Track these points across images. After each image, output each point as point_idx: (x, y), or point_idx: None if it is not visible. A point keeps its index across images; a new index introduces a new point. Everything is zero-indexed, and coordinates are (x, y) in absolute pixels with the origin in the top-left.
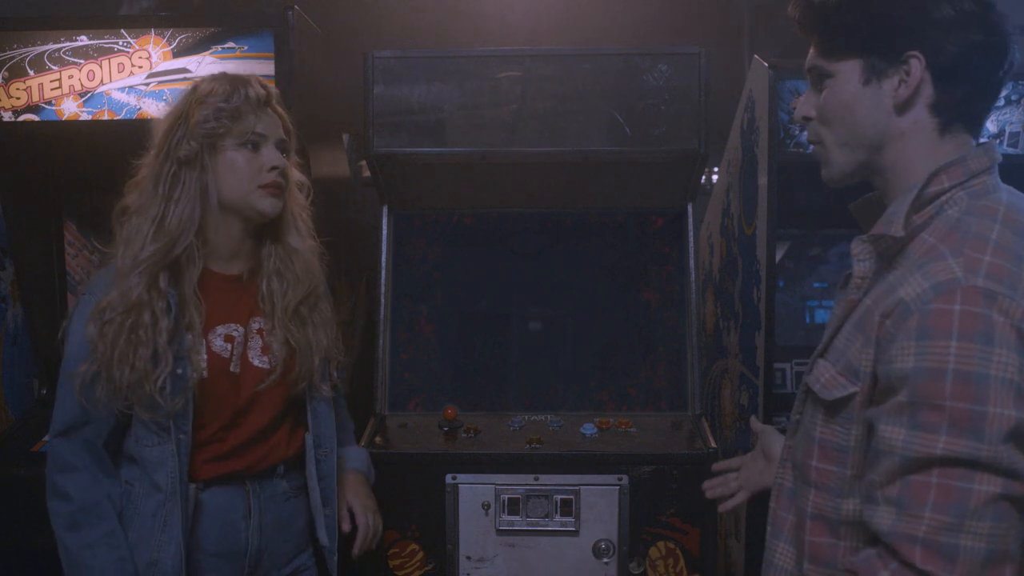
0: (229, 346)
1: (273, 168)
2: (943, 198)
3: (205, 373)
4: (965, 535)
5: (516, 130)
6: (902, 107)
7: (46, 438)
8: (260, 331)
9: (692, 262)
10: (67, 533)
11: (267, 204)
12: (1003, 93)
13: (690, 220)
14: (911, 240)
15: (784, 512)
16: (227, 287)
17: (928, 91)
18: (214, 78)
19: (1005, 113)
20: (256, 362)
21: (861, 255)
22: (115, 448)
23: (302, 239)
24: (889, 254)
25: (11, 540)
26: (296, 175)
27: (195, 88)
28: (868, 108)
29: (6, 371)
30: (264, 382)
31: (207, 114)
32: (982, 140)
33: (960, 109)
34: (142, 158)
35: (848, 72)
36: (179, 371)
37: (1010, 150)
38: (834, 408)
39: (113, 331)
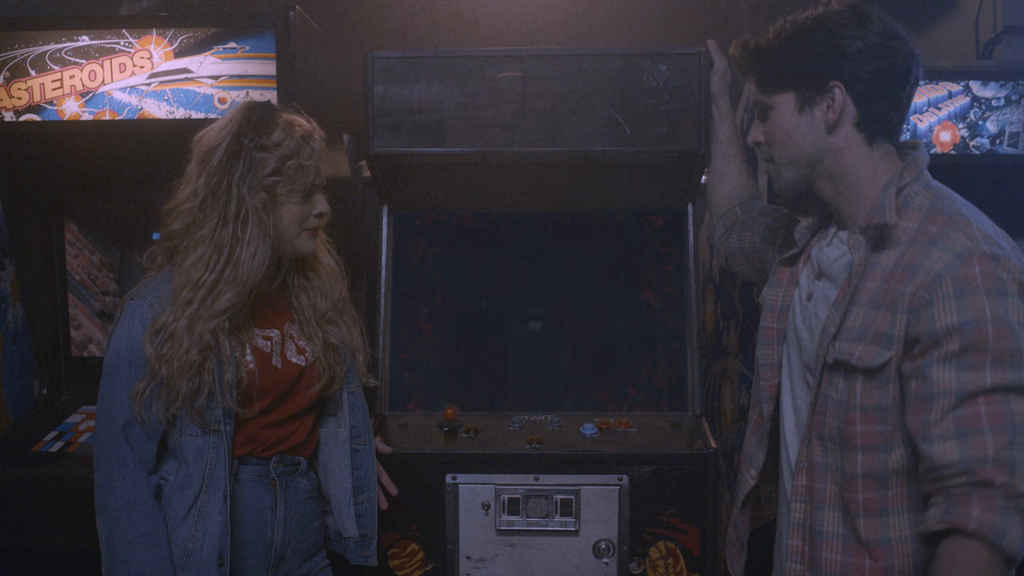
0: (269, 343)
1: (319, 214)
2: (905, 191)
3: (252, 366)
4: (1018, 447)
5: (516, 130)
6: (832, 128)
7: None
8: (293, 336)
9: (692, 262)
10: (111, 527)
11: (308, 246)
12: (1003, 93)
13: (690, 220)
14: (893, 227)
15: (821, 484)
16: (261, 300)
17: (851, 112)
18: (286, 126)
19: (1005, 113)
20: (294, 359)
21: (856, 245)
22: (160, 442)
23: (325, 254)
24: (876, 240)
25: (11, 540)
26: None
27: (256, 127)
28: (805, 131)
29: (6, 371)
30: (302, 375)
31: (275, 167)
32: (909, 139)
33: (880, 123)
34: (184, 175)
35: (784, 103)
36: (228, 375)
37: (1010, 150)
38: (876, 373)
39: (175, 355)
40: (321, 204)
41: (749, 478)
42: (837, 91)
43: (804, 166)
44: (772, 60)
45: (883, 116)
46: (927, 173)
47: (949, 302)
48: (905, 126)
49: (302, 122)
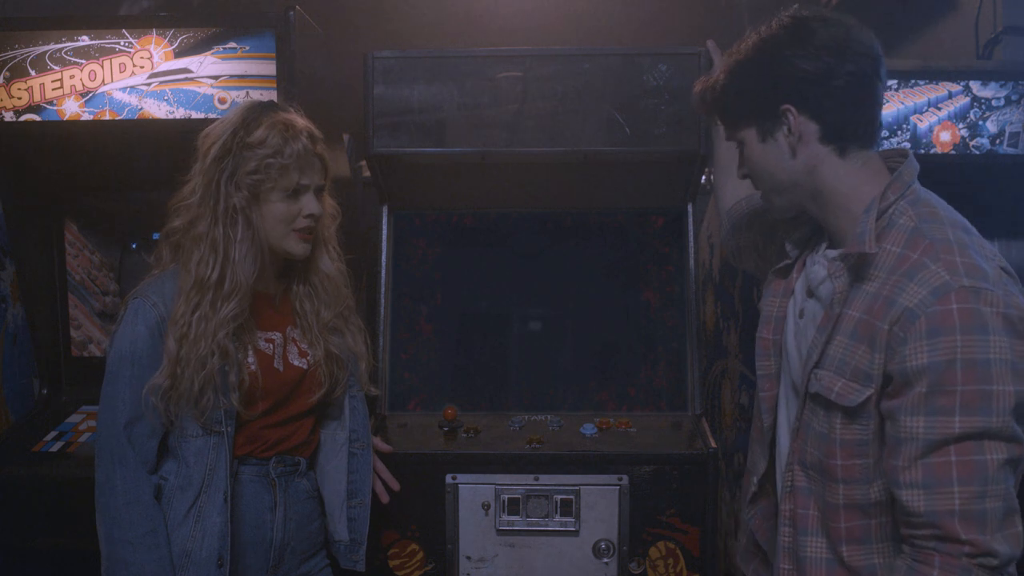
0: (271, 346)
1: (309, 215)
2: (890, 211)
3: (254, 368)
4: (989, 499)
5: (516, 130)
6: (798, 149)
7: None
8: (295, 339)
9: (692, 262)
10: (111, 526)
11: (298, 249)
12: (1003, 93)
13: (690, 220)
14: (874, 254)
15: (804, 510)
16: (264, 302)
17: (812, 128)
18: (271, 124)
19: (1005, 113)
20: (296, 362)
21: (836, 272)
22: (160, 443)
23: (332, 262)
24: (857, 267)
25: (11, 540)
26: (329, 204)
27: (247, 125)
28: (774, 159)
29: (6, 371)
30: (303, 378)
31: (256, 166)
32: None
33: (846, 132)
34: (188, 174)
35: (749, 137)
36: (232, 376)
37: (1010, 150)
38: (855, 411)
39: (189, 356)
40: (311, 205)
41: (751, 485)
42: (790, 115)
43: (785, 192)
44: (724, 99)
45: (847, 123)
46: (916, 185)
47: (921, 342)
48: (905, 126)
49: (293, 121)
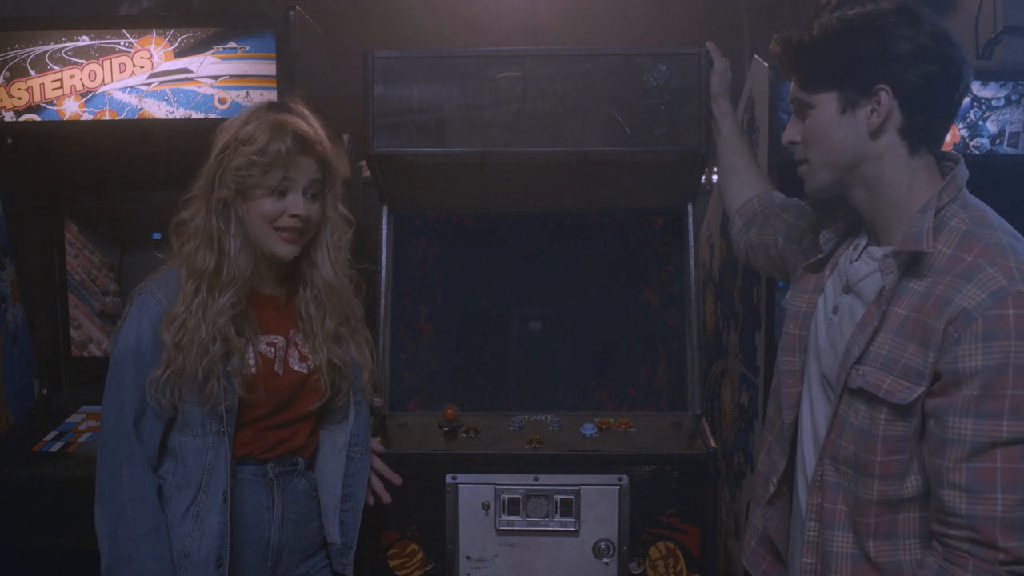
0: (272, 350)
1: (294, 216)
2: (942, 212)
3: (254, 370)
4: None
5: (516, 130)
6: (876, 132)
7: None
8: (296, 343)
9: (692, 262)
10: (115, 522)
11: (282, 249)
12: (1003, 93)
13: (690, 220)
14: (928, 254)
15: (831, 504)
16: (267, 305)
17: (897, 117)
18: (263, 122)
19: (1005, 113)
20: (296, 367)
21: (888, 269)
22: (160, 442)
23: (336, 274)
24: (908, 265)
25: (11, 540)
26: (340, 211)
27: (246, 122)
28: (846, 134)
29: (6, 371)
30: (304, 382)
31: (241, 162)
32: (950, 152)
33: (924, 132)
34: (202, 166)
35: (826, 103)
36: (233, 361)
37: (1010, 150)
38: (906, 409)
39: (191, 341)
40: (296, 205)
41: (770, 486)
42: (883, 94)
43: (840, 170)
44: (816, 57)
45: (929, 124)
46: (966, 191)
47: (976, 344)
48: None
49: (285, 122)
